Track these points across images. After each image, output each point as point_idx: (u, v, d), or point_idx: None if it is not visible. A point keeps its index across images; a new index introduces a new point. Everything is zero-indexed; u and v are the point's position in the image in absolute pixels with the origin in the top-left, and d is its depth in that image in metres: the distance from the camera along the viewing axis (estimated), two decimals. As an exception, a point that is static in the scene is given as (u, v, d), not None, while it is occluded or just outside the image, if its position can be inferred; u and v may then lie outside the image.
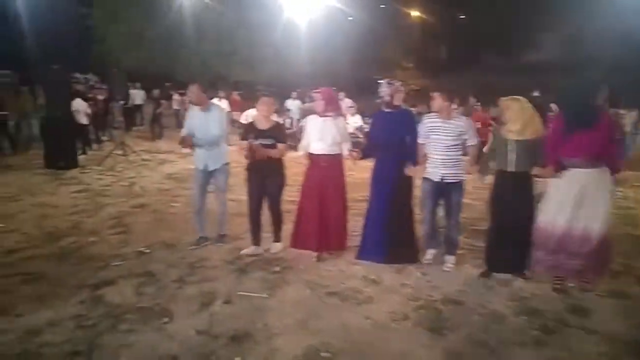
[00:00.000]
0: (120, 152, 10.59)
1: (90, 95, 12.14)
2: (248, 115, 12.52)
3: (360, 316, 3.54)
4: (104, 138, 12.89)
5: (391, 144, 4.47)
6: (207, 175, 4.90)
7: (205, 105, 4.85)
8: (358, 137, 9.99)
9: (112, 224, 5.74)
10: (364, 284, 4.10)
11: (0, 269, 4.28)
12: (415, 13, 28.95)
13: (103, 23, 17.01)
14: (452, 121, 4.34)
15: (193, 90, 4.83)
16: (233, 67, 17.36)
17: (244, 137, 4.65)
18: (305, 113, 11.48)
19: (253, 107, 12.86)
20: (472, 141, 4.41)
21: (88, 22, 17.29)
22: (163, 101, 14.29)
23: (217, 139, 4.81)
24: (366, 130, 11.31)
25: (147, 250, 4.80)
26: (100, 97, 12.81)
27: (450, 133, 4.31)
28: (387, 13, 25.22)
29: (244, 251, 4.81)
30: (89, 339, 3.08)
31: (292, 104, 14.15)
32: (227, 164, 4.96)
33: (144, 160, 10.47)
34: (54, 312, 3.46)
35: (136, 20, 16.77)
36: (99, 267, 4.36)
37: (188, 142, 4.78)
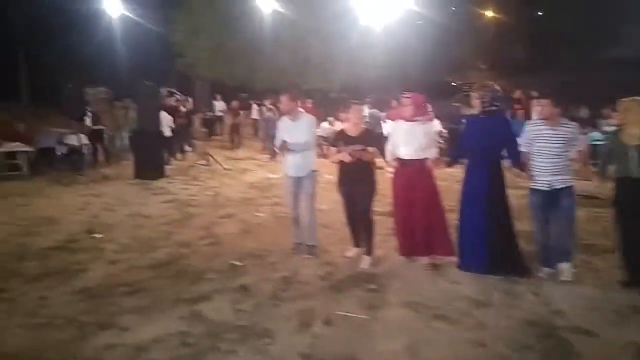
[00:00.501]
0: (203, 162, 10.91)
1: (175, 106, 12.70)
2: (322, 128, 12.56)
3: (473, 344, 3.20)
4: (187, 149, 13.42)
5: (486, 151, 4.27)
6: (297, 182, 4.91)
7: (294, 115, 4.89)
8: (438, 143, 9.63)
9: (202, 235, 5.80)
10: (471, 306, 3.75)
11: (105, 280, 4.41)
12: (489, 13, 27.70)
13: (186, 38, 17.78)
14: (560, 127, 4.05)
15: (283, 100, 4.91)
16: (307, 76, 17.47)
17: (334, 145, 4.75)
18: (372, 119, 11.47)
19: (325, 117, 12.94)
20: (581, 146, 4.14)
21: (172, 38, 18.14)
22: (241, 112, 14.64)
23: (306, 146, 4.82)
24: (445, 135, 10.96)
25: (240, 264, 4.75)
26: (184, 109, 13.36)
27: (559, 140, 4.02)
28: (461, 14, 24.34)
29: (348, 253, 4.90)
30: (193, 359, 3.01)
31: (367, 111, 13.99)
32: (314, 171, 4.92)
33: (226, 169, 10.69)
34: (158, 327, 3.44)
35: (216, 34, 17.33)
36: (193, 281, 4.35)
37: (285, 147, 4.82)
